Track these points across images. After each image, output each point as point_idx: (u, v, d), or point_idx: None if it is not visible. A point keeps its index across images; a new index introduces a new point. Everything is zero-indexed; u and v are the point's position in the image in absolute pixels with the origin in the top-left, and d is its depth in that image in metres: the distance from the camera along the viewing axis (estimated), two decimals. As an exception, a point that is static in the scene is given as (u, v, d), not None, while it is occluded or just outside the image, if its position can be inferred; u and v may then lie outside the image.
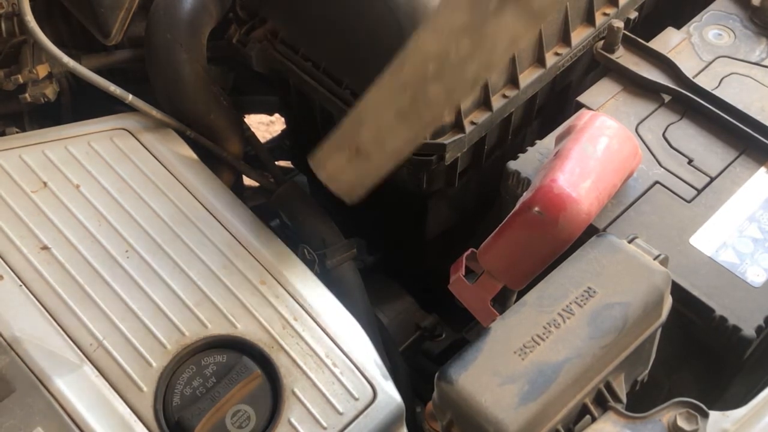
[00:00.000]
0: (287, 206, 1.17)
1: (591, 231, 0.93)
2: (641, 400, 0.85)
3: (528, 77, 1.08)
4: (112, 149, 1.04)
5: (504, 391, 0.75)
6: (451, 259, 0.96)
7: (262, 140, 1.55)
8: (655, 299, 0.81)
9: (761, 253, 0.93)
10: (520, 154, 1.03)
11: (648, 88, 1.08)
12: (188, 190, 1.02)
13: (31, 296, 0.89)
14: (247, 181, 1.33)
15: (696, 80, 1.07)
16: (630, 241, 0.85)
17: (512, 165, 1.02)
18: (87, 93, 1.23)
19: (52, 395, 0.82)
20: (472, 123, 1.04)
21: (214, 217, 1.00)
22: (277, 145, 1.66)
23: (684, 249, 0.94)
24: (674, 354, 0.94)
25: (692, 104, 1.06)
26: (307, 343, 0.91)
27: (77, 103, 1.27)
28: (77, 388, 0.84)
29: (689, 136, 1.04)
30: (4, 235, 0.93)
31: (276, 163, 1.38)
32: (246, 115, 1.56)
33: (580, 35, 1.12)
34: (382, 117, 0.74)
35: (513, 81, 1.07)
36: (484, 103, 1.05)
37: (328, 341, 0.91)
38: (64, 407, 0.82)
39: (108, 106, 1.16)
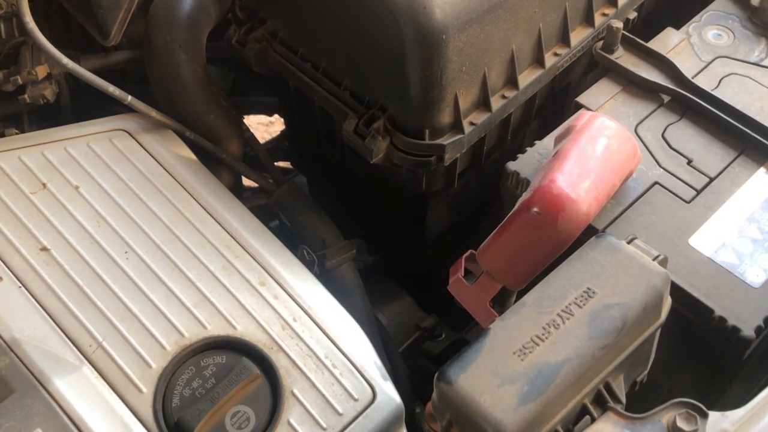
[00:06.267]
0: (286, 207, 1.17)
1: (590, 231, 0.93)
2: (641, 401, 0.85)
3: (527, 78, 1.08)
4: (112, 150, 1.04)
5: (503, 391, 0.75)
6: (450, 259, 0.95)
7: (262, 141, 1.55)
8: (654, 300, 0.81)
9: (761, 254, 0.93)
10: (520, 155, 1.03)
11: (647, 89, 1.08)
12: (187, 191, 1.02)
13: (31, 297, 0.89)
14: (247, 181, 1.33)
15: (695, 80, 1.07)
16: (629, 242, 0.85)
17: (511, 165, 1.02)
18: (86, 94, 1.23)
19: (51, 396, 0.82)
20: (471, 124, 1.04)
21: (213, 218, 1.00)
22: (276, 146, 1.66)
23: (683, 249, 0.94)
24: (673, 354, 0.94)
25: (691, 105, 1.06)
26: (306, 344, 0.90)
27: (76, 104, 1.27)
28: (76, 389, 0.84)
29: (688, 137, 1.04)
30: (4, 236, 0.93)
31: (275, 163, 1.38)
32: (245, 116, 1.56)
33: (579, 36, 1.12)
34: None
35: (512, 81, 1.07)
36: (483, 103, 1.05)
37: (328, 342, 0.91)
38: (63, 408, 0.82)
39: (107, 107, 1.16)
